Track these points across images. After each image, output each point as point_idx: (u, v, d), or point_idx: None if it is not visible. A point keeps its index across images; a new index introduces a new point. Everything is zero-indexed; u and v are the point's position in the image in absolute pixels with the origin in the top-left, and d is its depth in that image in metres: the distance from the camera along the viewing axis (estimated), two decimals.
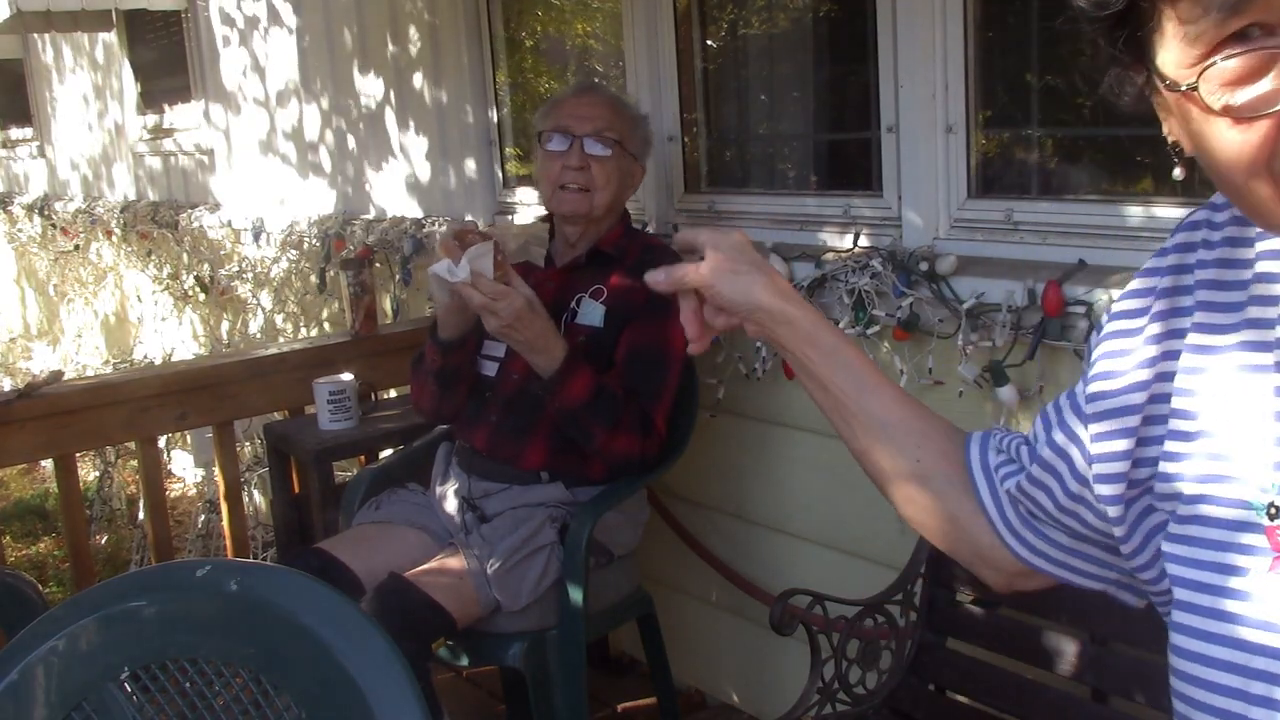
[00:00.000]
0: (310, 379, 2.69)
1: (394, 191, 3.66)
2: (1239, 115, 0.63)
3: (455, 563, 2.13)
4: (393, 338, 3.01)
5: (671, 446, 2.40)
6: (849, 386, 0.97)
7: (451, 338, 2.22)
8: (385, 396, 3.03)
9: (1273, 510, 0.72)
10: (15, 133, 7.37)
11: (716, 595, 2.72)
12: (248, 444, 4.01)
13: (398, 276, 3.49)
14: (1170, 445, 0.78)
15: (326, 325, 4.05)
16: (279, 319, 4.37)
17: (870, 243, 2.22)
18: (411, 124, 3.51)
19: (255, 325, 4.55)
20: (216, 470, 2.88)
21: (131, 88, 5.42)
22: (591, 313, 2.24)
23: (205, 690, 1.09)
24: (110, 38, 5.40)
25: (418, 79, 3.43)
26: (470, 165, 3.29)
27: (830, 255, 2.25)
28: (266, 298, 4.40)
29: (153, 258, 5.36)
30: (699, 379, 2.47)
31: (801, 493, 2.47)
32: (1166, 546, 0.78)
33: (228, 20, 4.36)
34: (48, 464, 4.09)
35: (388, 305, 3.64)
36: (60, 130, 6.41)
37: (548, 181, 2.31)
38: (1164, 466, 0.78)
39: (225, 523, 2.86)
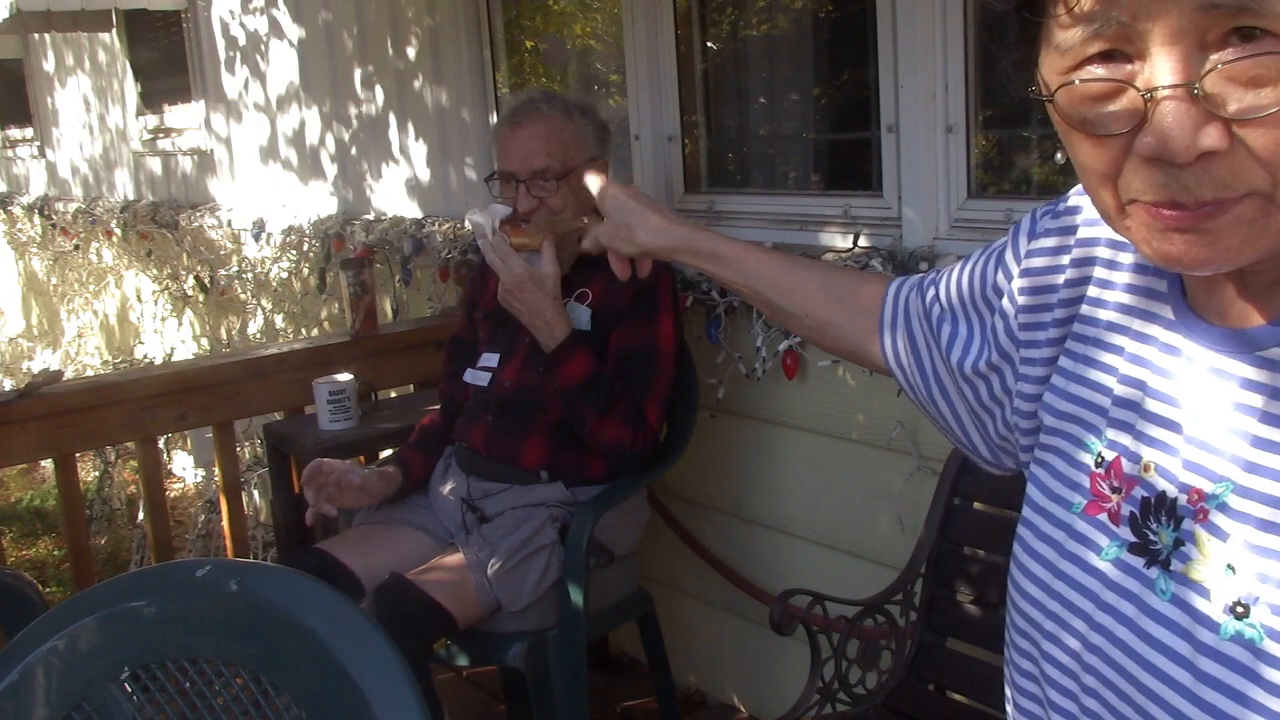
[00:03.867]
0: (310, 379, 2.69)
1: (394, 193, 3.66)
2: (1090, 132, 0.66)
3: (455, 563, 2.13)
4: (393, 338, 3.01)
5: (672, 446, 2.40)
6: (760, 288, 1.10)
7: (387, 493, 2.31)
8: (385, 396, 3.02)
9: (1099, 459, 0.80)
10: (15, 133, 7.36)
11: (716, 595, 2.72)
12: (248, 444, 4.01)
13: (398, 276, 3.49)
14: (1057, 375, 0.85)
15: (326, 325, 4.05)
16: (279, 319, 4.37)
17: (870, 243, 2.22)
18: (411, 125, 3.51)
19: (255, 325, 4.55)
20: (216, 470, 2.88)
21: (131, 88, 5.41)
22: (579, 317, 2.25)
23: (205, 690, 1.09)
24: (110, 38, 5.39)
25: (418, 81, 3.43)
26: (470, 166, 3.29)
27: (830, 255, 2.25)
28: (266, 298, 4.40)
29: (153, 258, 5.36)
30: (699, 379, 2.47)
31: (801, 493, 2.47)
32: (1033, 468, 0.87)
33: (228, 22, 4.36)
34: (48, 464, 4.10)
35: (388, 305, 3.64)
36: (60, 130, 6.41)
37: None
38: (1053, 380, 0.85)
39: (225, 523, 2.86)
